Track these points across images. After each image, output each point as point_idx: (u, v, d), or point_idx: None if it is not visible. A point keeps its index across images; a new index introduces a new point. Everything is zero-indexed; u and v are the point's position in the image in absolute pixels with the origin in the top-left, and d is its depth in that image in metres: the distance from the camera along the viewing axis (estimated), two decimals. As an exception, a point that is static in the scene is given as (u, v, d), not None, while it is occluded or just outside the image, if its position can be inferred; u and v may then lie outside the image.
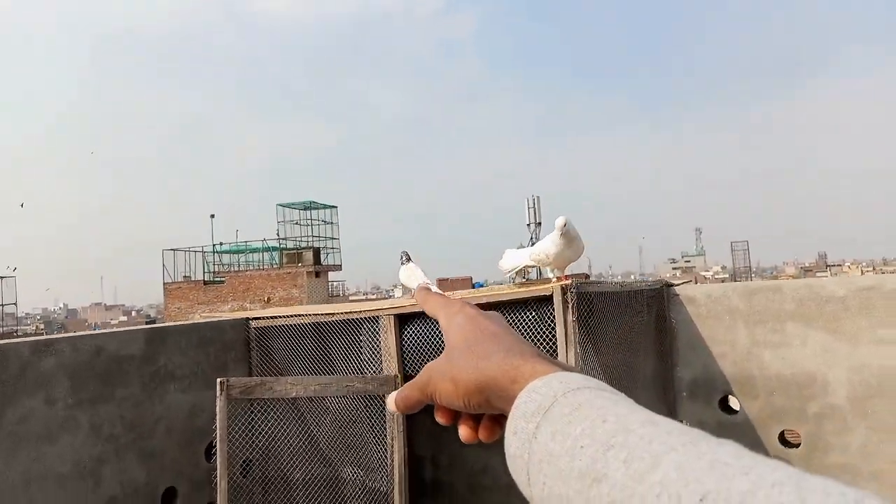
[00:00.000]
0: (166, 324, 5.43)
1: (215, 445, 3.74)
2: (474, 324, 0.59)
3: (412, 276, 4.51)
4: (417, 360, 4.19)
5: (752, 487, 0.32)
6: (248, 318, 4.84)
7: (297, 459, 4.40)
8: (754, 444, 4.13)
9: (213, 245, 26.83)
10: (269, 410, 4.42)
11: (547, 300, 3.71)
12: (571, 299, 3.57)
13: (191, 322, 4.85)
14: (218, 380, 3.72)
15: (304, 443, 4.43)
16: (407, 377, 4.22)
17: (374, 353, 4.38)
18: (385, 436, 4.21)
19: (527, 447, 0.45)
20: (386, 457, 4.19)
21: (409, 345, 4.25)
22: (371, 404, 4.29)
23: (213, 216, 29.02)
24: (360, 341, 4.48)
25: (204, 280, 25.38)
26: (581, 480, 0.39)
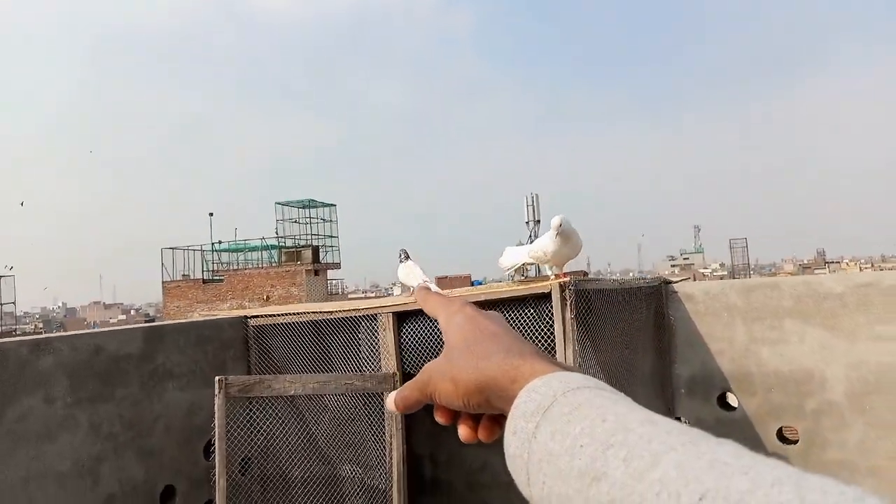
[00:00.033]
0: (164, 322, 5.43)
1: (214, 443, 3.74)
2: (474, 323, 0.59)
3: (411, 273, 4.51)
4: (416, 358, 4.19)
5: (752, 486, 0.32)
6: (246, 317, 4.84)
7: (295, 457, 4.41)
8: (752, 440, 4.14)
9: (212, 244, 26.81)
10: (267, 408, 4.42)
11: (545, 297, 3.72)
12: (570, 297, 3.57)
13: (189, 320, 4.85)
14: (216, 378, 3.72)
15: (302, 441, 4.43)
16: (405, 375, 4.22)
17: (372, 350, 4.38)
18: (384, 434, 4.21)
19: (526, 447, 0.45)
20: (384, 454, 4.19)
21: (407, 343, 4.25)
22: (370, 402, 4.29)
23: (211, 214, 29.00)
24: (359, 339, 4.48)
25: (203, 279, 25.37)
26: (581, 479, 0.39)
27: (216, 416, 3.69)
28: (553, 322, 3.64)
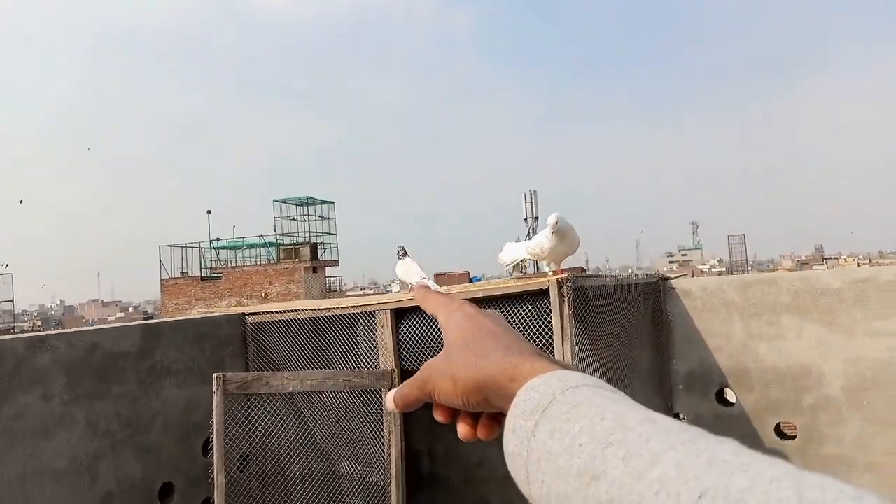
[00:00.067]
0: (162, 319, 5.43)
1: (212, 441, 3.74)
2: (473, 322, 0.59)
3: (409, 270, 4.51)
4: (414, 355, 4.19)
5: (751, 484, 0.32)
6: (244, 314, 4.84)
7: (294, 454, 4.41)
8: (750, 436, 4.15)
9: (211, 241, 26.79)
10: (266, 405, 4.42)
11: (543, 294, 3.72)
12: (567, 293, 3.57)
13: (186, 318, 4.85)
14: (214, 375, 3.72)
15: (301, 438, 4.43)
16: (403, 371, 4.22)
17: (370, 347, 4.39)
18: (382, 430, 4.21)
19: (525, 445, 0.45)
20: (383, 451, 4.19)
21: (405, 339, 4.26)
22: (368, 399, 4.29)
23: (209, 212, 28.93)
24: (357, 336, 4.48)
25: (201, 276, 25.36)
26: (580, 478, 0.39)
27: (214, 413, 3.69)
28: (551, 318, 3.64)
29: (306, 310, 4.67)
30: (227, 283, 24.37)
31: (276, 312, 4.76)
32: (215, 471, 3.67)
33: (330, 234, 27.36)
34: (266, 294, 23.16)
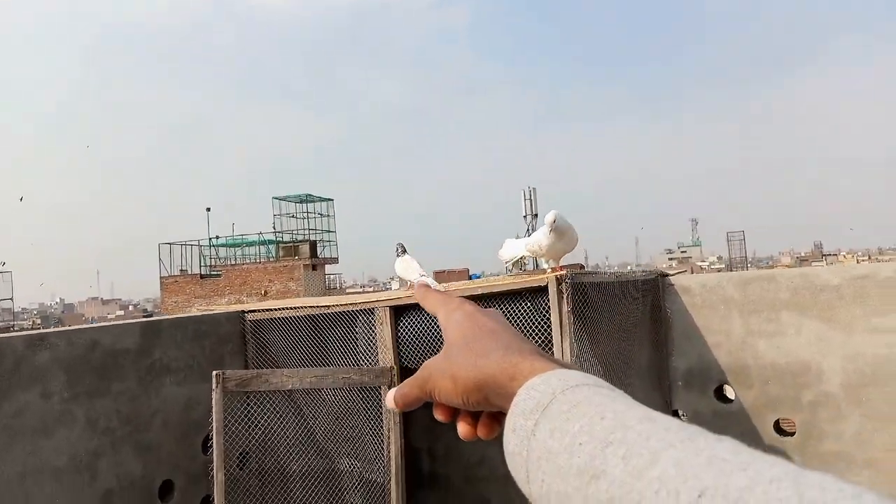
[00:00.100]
0: (161, 317, 5.43)
1: (212, 438, 3.74)
2: (473, 321, 0.59)
3: (408, 267, 4.51)
4: (413, 352, 4.19)
5: (750, 483, 0.32)
6: (243, 311, 4.84)
7: (294, 451, 4.41)
8: (749, 432, 4.15)
9: (210, 239, 26.76)
10: (265, 403, 4.42)
11: (542, 291, 3.72)
12: (566, 290, 3.57)
13: (186, 315, 4.85)
14: (214, 372, 3.72)
15: (300, 435, 4.44)
16: (403, 368, 4.22)
17: (369, 344, 4.39)
18: (381, 427, 4.22)
19: (525, 444, 0.45)
20: (382, 448, 4.20)
21: (404, 336, 4.25)
22: (367, 396, 4.29)
23: (208, 209, 28.88)
24: (356, 333, 4.48)
25: (200, 274, 25.33)
26: (580, 477, 0.39)
27: (214, 410, 3.70)
28: (549, 315, 3.64)
29: (305, 307, 4.67)
30: (227, 280, 24.35)
31: (276, 310, 4.76)
32: (215, 468, 3.68)
33: (329, 231, 27.33)
34: (265, 292, 23.15)
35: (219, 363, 4.38)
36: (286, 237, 26.14)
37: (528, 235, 4.24)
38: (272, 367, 4.46)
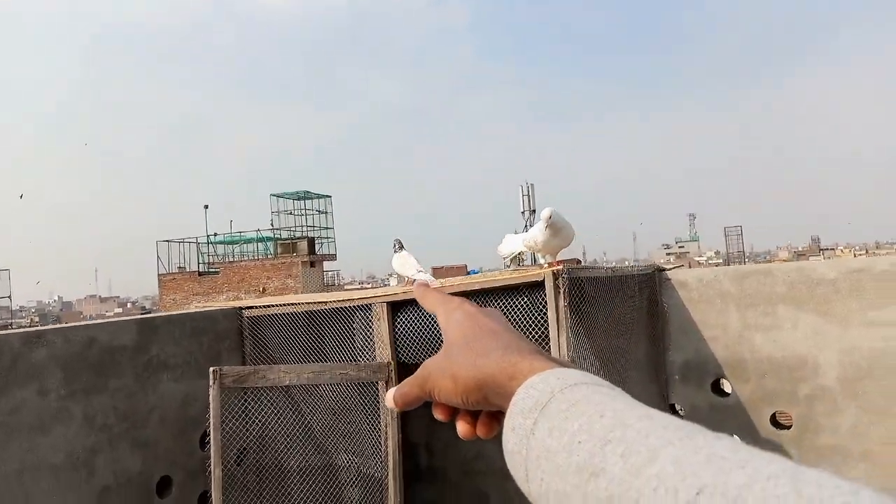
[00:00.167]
0: (158, 314, 5.43)
1: (209, 434, 3.74)
2: (473, 320, 0.59)
3: (405, 263, 4.51)
4: (410, 348, 4.20)
5: (749, 481, 0.32)
6: (240, 308, 4.84)
7: (291, 447, 4.42)
8: (746, 426, 4.16)
9: (208, 236, 26.73)
10: (263, 399, 4.42)
11: (539, 286, 3.72)
12: (563, 285, 3.58)
13: (183, 312, 4.85)
14: (211, 369, 3.72)
15: (298, 431, 4.44)
16: (400, 364, 4.23)
17: (367, 340, 4.39)
18: (379, 423, 4.22)
19: (524, 443, 0.45)
20: (380, 443, 4.20)
21: (401, 332, 4.26)
22: (365, 392, 4.30)
23: (206, 207, 28.85)
24: (353, 329, 4.48)
25: (199, 271, 25.30)
26: (579, 475, 0.39)
27: (211, 406, 3.70)
28: (546, 310, 3.65)
29: (302, 303, 4.67)
30: (225, 277, 24.33)
31: (273, 306, 4.76)
32: (212, 464, 3.68)
33: (327, 228, 27.30)
34: (264, 289, 23.13)
35: (216, 360, 4.38)
36: (284, 234, 26.11)
37: (526, 231, 4.25)
38: (270, 364, 4.46)
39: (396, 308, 4.30)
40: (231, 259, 25.92)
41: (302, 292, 21.00)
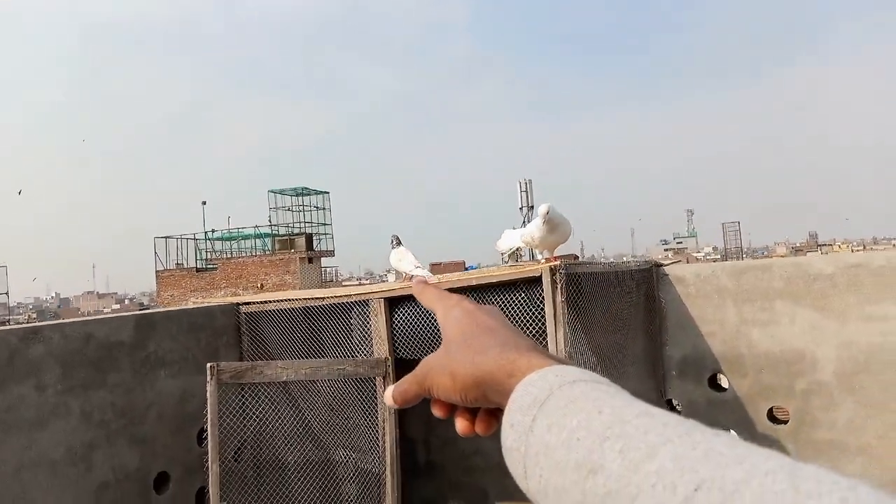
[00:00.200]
0: (156, 310, 5.42)
1: (207, 430, 3.74)
2: (471, 318, 0.59)
3: (403, 259, 4.52)
4: (408, 343, 4.20)
5: (747, 476, 0.32)
6: (238, 304, 4.84)
7: (289, 443, 4.42)
8: (743, 421, 4.17)
9: (205, 232, 26.70)
10: (260, 395, 4.42)
11: (536, 281, 3.72)
12: (560, 280, 3.58)
13: (180, 308, 4.85)
14: (208, 364, 3.72)
15: (296, 426, 4.44)
16: (397, 360, 4.23)
17: (364, 336, 4.39)
18: (376, 418, 4.23)
19: (523, 440, 0.45)
20: (377, 439, 4.21)
21: (399, 328, 4.26)
22: (362, 387, 4.30)
23: (204, 203, 28.84)
24: (351, 325, 4.48)
25: (196, 267, 25.28)
26: (577, 471, 0.39)
27: (208, 402, 3.70)
28: (543, 305, 3.65)
29: (300, 299, 4.67)
30: (223, 274, 24.31)
31: (270, 302, 4.76)
32: (210, 460, 3.68)
33: (325, 224, 27.28)
34: (262, 285, 23.12)
35: (213, 355, 4.38)
36: (282, 230, 26.07)
37: (524, 227, 4.25)
38: (267, 359, 4.46)
39: (394, 304, 4.30)
40: (229, 255, 25.89)
41: (300, 288, 21.00)
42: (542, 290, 3.65)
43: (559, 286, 3.56)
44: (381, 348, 4.25)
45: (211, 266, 25.18)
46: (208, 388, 3.69)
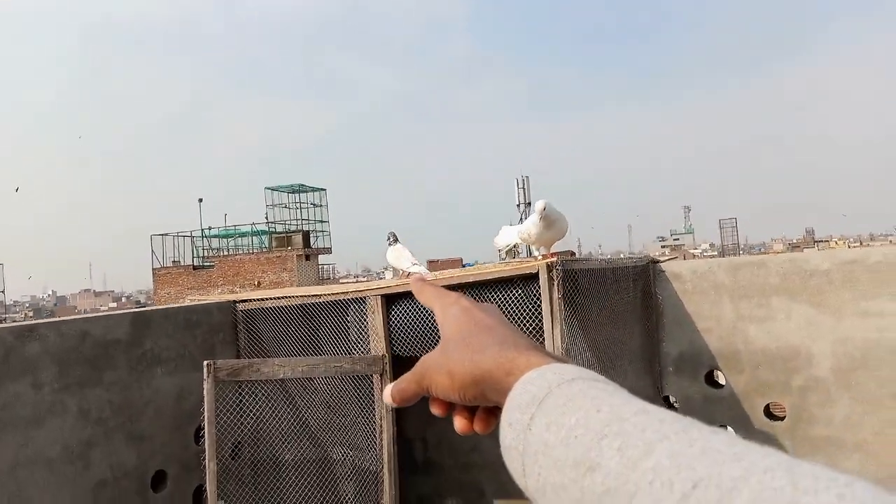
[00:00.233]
0: (152, 307, 5.42)
1: (204, 428, 3.74)
2: (469, 316, 0.59)
3: (400, 256, 4.52)
4: (405, 340, 4.20)
5: (744, 473, 0.32)
6: (234, 301, 4.83)
7: (287, 441, 4.42)
8: (740, 417, 4.18)
9: (202, 230, 26.67)
10: (257, 392, 4.42)
11: (533, 278, 3.72)
12: (557, 276, 3.58)
13: (177, 305, 4.84)
14: (205, 362, 3.72)
15: (293, 424, 4.44)
16: (394, 357, 4.23)
17: (361, 333, 4.39)
18: (374, 416, 4.23)
19: (522, 438, 0.45)
20: (375, 437, 4.21)
21: (396, 325, 4.26)
22: (359, 385, 4.30)
23: (201, 200, 28.79)
24: (348, 322, 4.48)
25: (193, 265, 25.26)
26: (576, 469, 0.39)
27: (205, 400, 3.69)
28: (540, 302, 3.65)
29: (297, 296, 4.66)
30: (220, 271, 24.29)
31: (267, 299, 4.75)
32: (207, 458, 3.68)
33: (322, 221, 27.27)
34: (259, 282, 23.10)
35: (210, 353, 4.37)
36: (279, 228, 26.07)
37: (522, 224, 4.25)
38: (264, 357, 4.46)
39: (391, 301, 4.30)
40: (226, 253, 25.88)
41: (297, 286, 20.98)
42: (539, 287, 3.65)
43: (556, 283, 3.56)
44: (377, 345, 4.25)
45: (208, 264, 25.16)
46: (205, 386, 3.69)
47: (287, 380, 4.20)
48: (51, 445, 3.50)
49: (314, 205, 27.33)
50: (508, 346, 0.53)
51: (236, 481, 4.24)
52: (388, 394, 0.61)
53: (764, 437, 4.01)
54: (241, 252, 25.59)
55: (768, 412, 4.22)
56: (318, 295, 4.57)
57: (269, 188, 26.72)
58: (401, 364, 4.20)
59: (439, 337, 0.60)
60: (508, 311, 3.77)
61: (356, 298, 4.42)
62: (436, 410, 0.59)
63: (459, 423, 0.58)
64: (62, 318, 4.06)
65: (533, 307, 3.75)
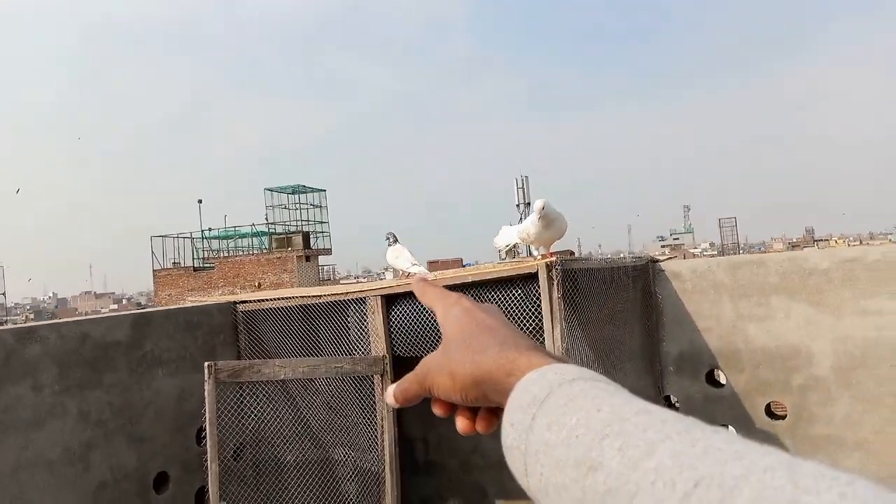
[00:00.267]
0: (152, 308, 5.42)
1: (205, 429, 3.74)
2: (470, 316, 0.59)
3: (399, 257, 4.52)
4: (405, 341, 4.19)
5: (746, 472, 0.32)
6: (235, 302, 4.83)
7: (288, 442, 4.42)
8: (741, 416, 4.18)
9: (202, 231, 26.66)
10: (258, 393, 4.42)
11: (532, 277, 3.72)
12: (556, 276, 3.58)
13: (177, 306, 4.84)
14: (206, 363, 3.72)
15: (295, 425, 4.44)
16: (395, 358, 4.23)
17: (361, 334, 4.39)
18: (375, 416, 4.23)
19: (523, 438, 0.45)
20: (376, 437, 4.21)
21: (396, 325, 4.26)
22: (360, 385, 4.30)
23: (200, 202, 28.79)
24: (348, 323, 4.48)
25: (194, 266, 25.25)
26: (577, 469, 0.39)
27: (206, 401, 3.69)
28: (540, 302, 3.65)
29: (297, 297, 4.66)
30: (220, 273, 24.28)
31: (267, 300, 4.75)
32: (209, 459, 3.68)
33: (322, 222, 27.25)
34: (259, 284, 23.09)
35: (211, 354, 4.37)
36: (279, 229, 26.05)
37: (521, 223, 4.25)
38: (265, 358, 4.46)
39: (391, 301, 4.30)
40: (226, 254, 25.87)
41: (297, 287, 20.97)
42: (539, 287, 3.65)
43: (555, 282, 3.56)
44: (378, 346, 4.25)
45: (208, 265, 25.15)
46: (206, 387, 3.69)
47: (288, 381, 4.20)
48: (51, 447, 3.50)
49: (314, 205, 27.32)
50: (509, 346, 0.53)
51: (238, 482, 4.24)
52: (391, 394, 0.62)
53: (765, 437, 4.01)
54: (241, 253, 25.58)
55: (769, 411, 4.22)
56: (318, 296, 4.57)
57: (268, 189, 26.71)
58: (401, 365, 4.20)
59: (440, 337, 0.60)
60: (508, 311, 3.78)
61: (356, 299, 4.41)
62: (438, 411, 0.59)
63: (461, 423, 0.58)
64: (62, 320, 4.06)
65: (533, 307, 3.75)
